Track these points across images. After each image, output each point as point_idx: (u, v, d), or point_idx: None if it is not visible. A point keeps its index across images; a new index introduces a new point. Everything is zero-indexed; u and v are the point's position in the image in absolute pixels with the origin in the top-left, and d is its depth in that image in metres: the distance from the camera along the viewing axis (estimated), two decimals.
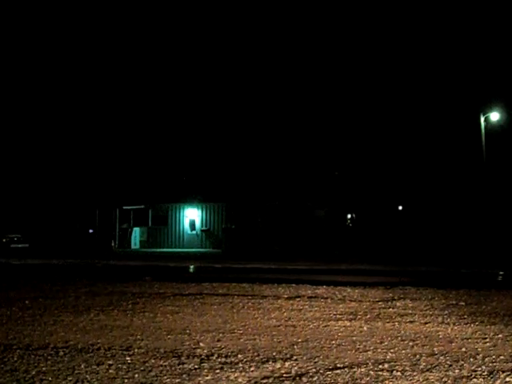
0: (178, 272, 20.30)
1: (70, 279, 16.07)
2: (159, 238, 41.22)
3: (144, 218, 41.73)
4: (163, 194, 42.15)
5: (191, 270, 22.53)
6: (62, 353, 6.96)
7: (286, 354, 6.90)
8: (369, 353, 6.96)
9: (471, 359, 6.62)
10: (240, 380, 5.83)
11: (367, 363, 6.41)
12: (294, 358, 6.70)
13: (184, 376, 5.95)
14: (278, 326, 8.83)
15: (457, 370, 6.13)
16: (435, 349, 7.17)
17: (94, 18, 64.23)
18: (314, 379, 5.82)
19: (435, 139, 44.16)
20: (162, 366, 6.35)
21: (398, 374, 6.01)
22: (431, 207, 42.58)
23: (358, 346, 7.30)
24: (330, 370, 6.15)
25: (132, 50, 62.29)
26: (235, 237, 36.16)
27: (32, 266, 23.10)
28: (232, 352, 6.97)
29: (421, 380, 5.80)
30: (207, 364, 6.41)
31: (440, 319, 9.36)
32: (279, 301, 11.53)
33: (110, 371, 6.14)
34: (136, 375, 5.99)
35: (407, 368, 6.22)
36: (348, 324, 8.94)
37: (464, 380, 5.80)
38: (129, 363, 6.47)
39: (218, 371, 6.11)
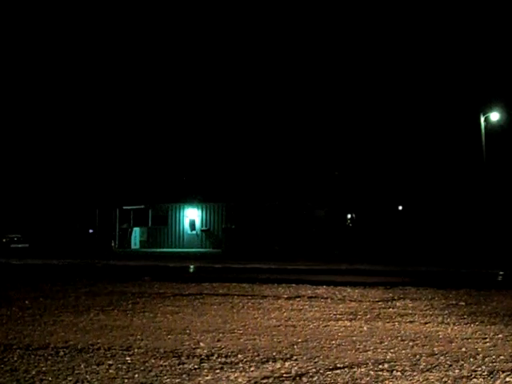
0: (178, 272, 20.30)
1: (69, 279, 16.07)
2: (159, 238, 41.25)
3: (144, 218, 41.77)
4: (163, 194, 42.18)
5: (191, 270, 22.53)
6: (62, 353, 6.96)
7: (286, 354, 6.90)
8: (369, 353, 6.96)
9: (471, 359, 6.62)
10: (240, 380, 5.83)
11: (367, 363, 6.41)
12: (294, 358, 6.69)
13: (184, 376, 5.95)
14: (278, 326, 8.83)
15: (457, 370, 6.13)
16: (435, 349, 7.17)
17: (94, 18, 64.26)
18: (314, 379, 5.82)
19: (435, 139, 44.17)
20: (161, 366, 6.35)
21: (398, 374, 6.00)
22: (431, 207, 42.56)
23: (358, 346, 7.30)
24: (330, 370, 6.15)
25: (132, 50, 62.33)
26: (235, 237, 36.16)
27: (32, 266, 23.10)
28: (232, 352, 6.97)
29: (421, 380, 5.79)
30: (207, 364, 6.41)
31: (440, 319, 9.36)
32: (279, 301, 11.52)
33: (110, 371, 6.14)
34: (136, 375, 5.99)
35: (407, 368, 6.22)
36: (348, 324, 8.94)
37: (464, 380, 5.80)
38: (129, 363, 6.47)
39: (217, 371, 6.11)
